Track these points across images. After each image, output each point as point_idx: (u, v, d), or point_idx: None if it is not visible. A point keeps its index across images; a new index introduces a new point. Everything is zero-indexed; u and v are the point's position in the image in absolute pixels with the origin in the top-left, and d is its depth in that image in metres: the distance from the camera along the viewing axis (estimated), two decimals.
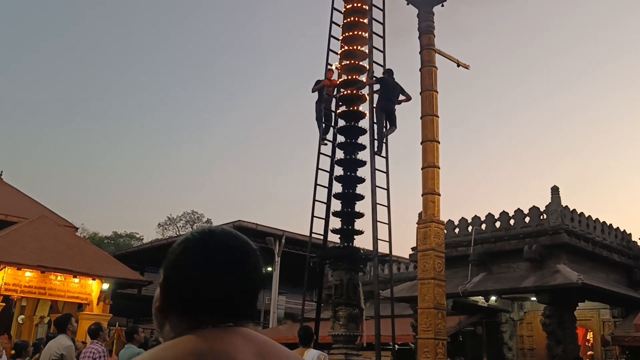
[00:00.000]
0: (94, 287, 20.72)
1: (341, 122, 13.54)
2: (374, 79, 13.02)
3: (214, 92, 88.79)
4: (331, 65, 13.77)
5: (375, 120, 12.89)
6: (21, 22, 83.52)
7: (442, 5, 14.49)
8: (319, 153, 13.42)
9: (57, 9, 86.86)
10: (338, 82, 13.58)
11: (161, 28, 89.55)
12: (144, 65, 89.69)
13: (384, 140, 12.90)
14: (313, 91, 13.48)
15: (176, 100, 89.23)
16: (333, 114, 13.63)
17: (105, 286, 20.91)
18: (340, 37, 13.79)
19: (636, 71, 71.76)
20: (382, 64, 13.37)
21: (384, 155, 12.85)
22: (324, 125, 13.41)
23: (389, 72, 13.10)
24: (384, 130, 12.86)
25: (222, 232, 1.30)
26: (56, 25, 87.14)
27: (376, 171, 12.64)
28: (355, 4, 13.66)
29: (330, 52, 13.87)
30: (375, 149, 12.73)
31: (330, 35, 13.92)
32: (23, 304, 22.98)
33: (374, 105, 12.98)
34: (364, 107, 13.42)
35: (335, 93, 13.56)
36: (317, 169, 13.33)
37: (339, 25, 13.92)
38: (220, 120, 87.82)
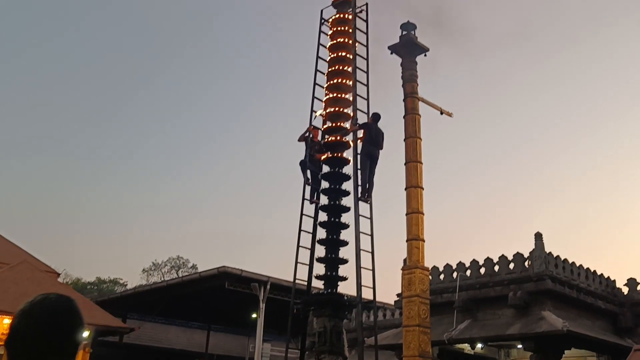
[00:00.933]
0: None
1: (325, 168, 13.63)
2: (358, 125, 13.18)
3: (200, 136, 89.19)
4: (316, 111, 13.95)
5: (359, 167, 12.99)
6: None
7: (425, 55, 14.87)
8: (303, 199, 13.45)
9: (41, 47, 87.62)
10: (322, 143, 13.71)
11: (147, 72, 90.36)
12: (128, 109, 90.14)
13: (368, 187, 12.95)
14: (299, 140, 13.64)
15: (162, 145, 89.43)
16: (318, 165, 13.71)
17: (85, 334, 20.46)
18: (325, 85, 14.02)
19: (617, 117, 73.18)
20: (366, 111, 13.56)
21: (368, 201, 12.91)
22: (309, 172, 13.48)
23: (375, 116, 13.26)
24: (367, 176, 12.93)
25: (49, 300, 1.80)
26: (39, 64, 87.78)
27: (360, 217, 12.66)
28: (339, 53, 13.95)
29: (315, 100, 14.07)
30: (359, 195, 12.79)
31: (315, 83, 14.15)
32: (0, 352, 22.37)
33: (358, 152, 13.10)
34: (348, 154, 13.54)
35: (318, 148, 13.66)
36: (302, 214, 13.34)
37: (323, 74, 14.16)
38: (206, 165, 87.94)
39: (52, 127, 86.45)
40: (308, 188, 13.59)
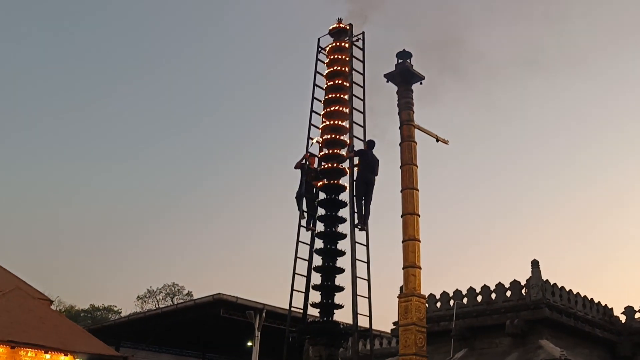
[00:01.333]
0: None
1: (322, 195, 13.64)
2: (354, 151, 13.24)
3: (192, 164, 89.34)
4: (312, 139, 14.01)
5: (355, 194, 13.00)
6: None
7: (421, 83, 14.97)
8: (299, 226, 13.43)
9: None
10: (318, 170, 13.70)
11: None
12: (128, 131, 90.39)
13: (365, 215, 12.94)
14: (295, 167, 13.68)
15: (157, 175, 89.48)
16: (314, 192, 13.67)
17: None
18: (322, 112, 14.12)
19: (616, 145, 73.71)
20: (363, 138, 13.64)
21: (365, 228, 12.89)
22: (305, 202, 13.45)
23: (369, 144, 13.34)
24: (362, 203, 12.93)
25: None
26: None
27: (356, 244, 12.63)
28: (336, 81, 14.08)
29: (312, 127, 14.16)
30: (355, 222, 12.78)
31: (312, 111, 14.26)
32: None
33: (354, 179, 13.12)
34: (344, 181, 13.56)
35: (315, 175, 13.65)
36: (298, 241, 13.32)
37: (320, 101, 14.28)
38: (200, 191, 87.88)
39: (44, 154, 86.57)
40: (304, 214, 13.58)
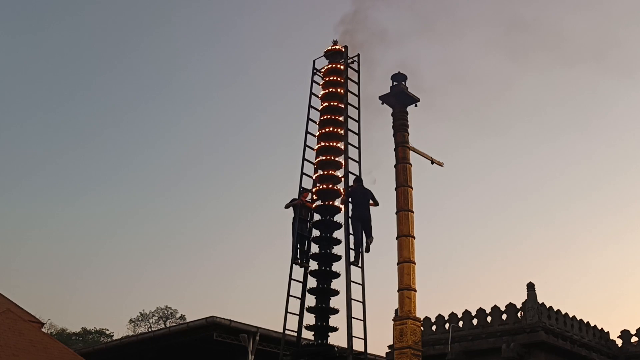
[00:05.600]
0: None
1: (316, 217, 13.60)
2: (349, 190, 13.26)
3: (189, 189, 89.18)
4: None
5: (350, 215, 12.96)
6: None
7: (416, 105, 15.05)
8: (294, 248, 13.33)
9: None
10: (314, 206, 13.66)
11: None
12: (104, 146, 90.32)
13: (361, 251, 12.94)
14: (286, 207, 13.60)
15: (149, 196, 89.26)
16: (308, 228, 13.58)
17: None
18: (317, 134, 14.14)
19: (614, 173, 74.00)
20: (358, 160, 13.66)
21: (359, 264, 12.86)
22: (298, 246, 13.39)
23: (358, 181, 13.40)
24: (360, 238, 12.92)
25: None
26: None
27: (351, 266, 12.57)
28: (331, 103, 14.17)
29: (307, 148, 14.16)
30: (350, 245, 12.72)
31: (307, 132, 14.27)
32: None
33: (349, 216, 13.13)
34: (339, 202, 13.52)
35: (310, 218, 13.60)
36: (292, 262, 13.23)
37: (315, 123, 14.31)
38: (194, 214, 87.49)
39: (37, 173, 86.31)
40: (298, 237, 13.48)
